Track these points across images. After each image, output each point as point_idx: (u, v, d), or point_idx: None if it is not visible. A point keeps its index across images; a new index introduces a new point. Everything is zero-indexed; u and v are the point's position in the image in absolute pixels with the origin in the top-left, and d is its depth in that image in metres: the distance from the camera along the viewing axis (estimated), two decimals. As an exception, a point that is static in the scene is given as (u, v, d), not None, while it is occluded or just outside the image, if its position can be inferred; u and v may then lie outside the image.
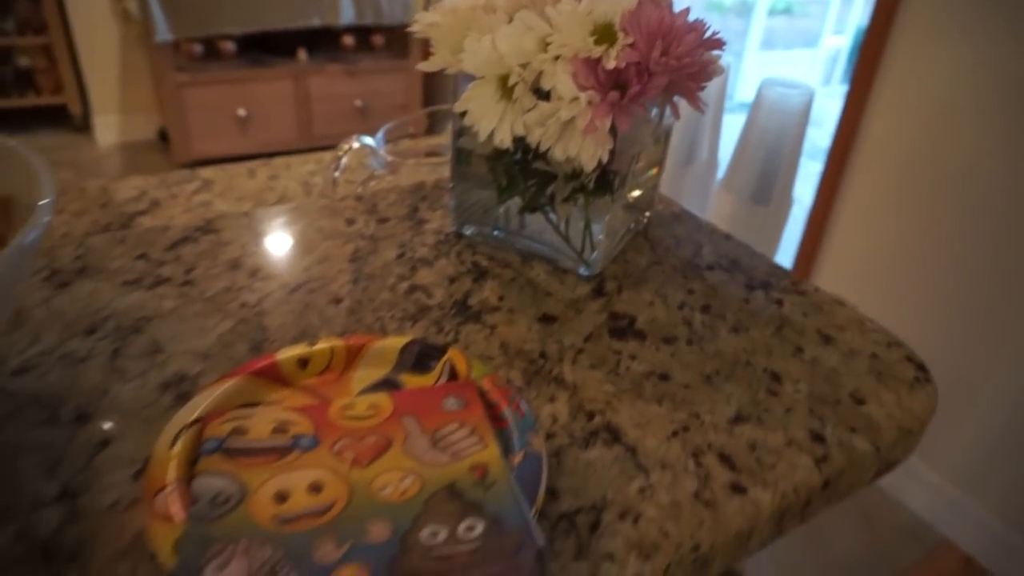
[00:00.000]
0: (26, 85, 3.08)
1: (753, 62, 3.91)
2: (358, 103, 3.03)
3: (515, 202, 0.58)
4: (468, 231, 0.61)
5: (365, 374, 0.43)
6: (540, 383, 0.45)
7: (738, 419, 0.44)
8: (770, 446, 0.42)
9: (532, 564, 0.31)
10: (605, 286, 0.56)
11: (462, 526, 0.32)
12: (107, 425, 0.40)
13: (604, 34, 0.48)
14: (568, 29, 0.47)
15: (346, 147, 0.75)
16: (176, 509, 0.33)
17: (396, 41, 3.05)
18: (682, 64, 0.47)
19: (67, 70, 3.05)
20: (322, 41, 2.99)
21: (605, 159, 0.49)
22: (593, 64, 0.47)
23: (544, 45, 0.48)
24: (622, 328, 0.51)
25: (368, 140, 0.77)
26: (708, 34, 0.49)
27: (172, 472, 0.35)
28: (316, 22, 2.82)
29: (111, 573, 0.32)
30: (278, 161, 0.97)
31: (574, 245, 0.56)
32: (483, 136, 0.50)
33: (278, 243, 0.58)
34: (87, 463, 0.37)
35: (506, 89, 0.49)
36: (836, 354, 0.50)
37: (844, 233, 1.75)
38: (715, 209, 1.88)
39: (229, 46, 2.85)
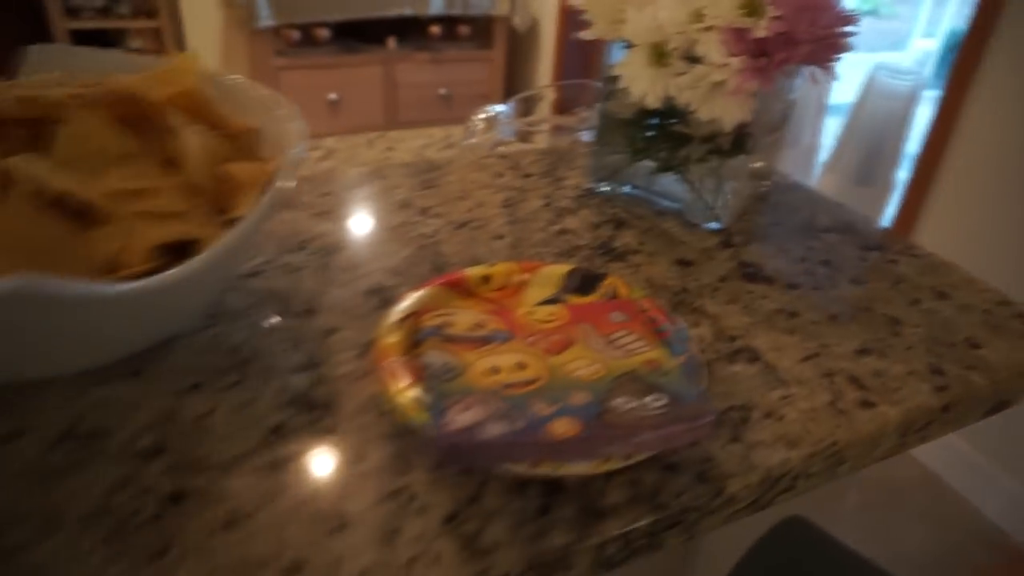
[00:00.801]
0: (135, 65, 3.28)
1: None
2: (442, 91, 3.13)
3: (645, 163, 0.64)
4: (603, 188, 0.68)
5: (535, 293, 0.51)
6: (684, 312, 0.52)
7: (863, 352, 0.49)
8: (893, 374, 0.47)
9: (709, 428, 0.37)
10: (732, 239, 0.62)
11: (648, 399, 0.39)
12: (330, 318, 0.48)
13: (752, 7, 0.54)
14: (720, 2, 0.54)
15: (482, 114, 0.83)
16: (406, 375, 0.41)
17: (481, 31, 3.15)
18: (826, 34, 0.52)
19: (173, 53, 3.25)
20: (410, 30, 3.11)
21: (748, 119, 0.55)
22: (742, 33, 0.53)
23: (698, 16, 0.54)
24: (751, 273, 0.57)
25: (501, 108, 0.85)
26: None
27: (397, 350, 0.43)
28: (407, 11, 2.93)
29: (356, 420, 0.40)
30: (393, 134, 1.05)
31: (706, 201, 0.62)
32: (635, 97, 0.57)
33: (438, 190, 0.66)
34: (320, 343, 0.46)
35: (659, 55, 0.56)
36: (951, 307, 0.55)
37: (935, 231, 1.75)
38: (819, 189, 1.91)
39: (324, 33, 2.99)
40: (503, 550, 0.34)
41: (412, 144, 0.91)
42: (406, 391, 0.40)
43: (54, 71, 0.49)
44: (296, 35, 2.96)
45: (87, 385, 0.41)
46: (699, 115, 0.56)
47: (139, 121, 0.41)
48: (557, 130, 0.88)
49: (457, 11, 2.98)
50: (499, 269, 0.51)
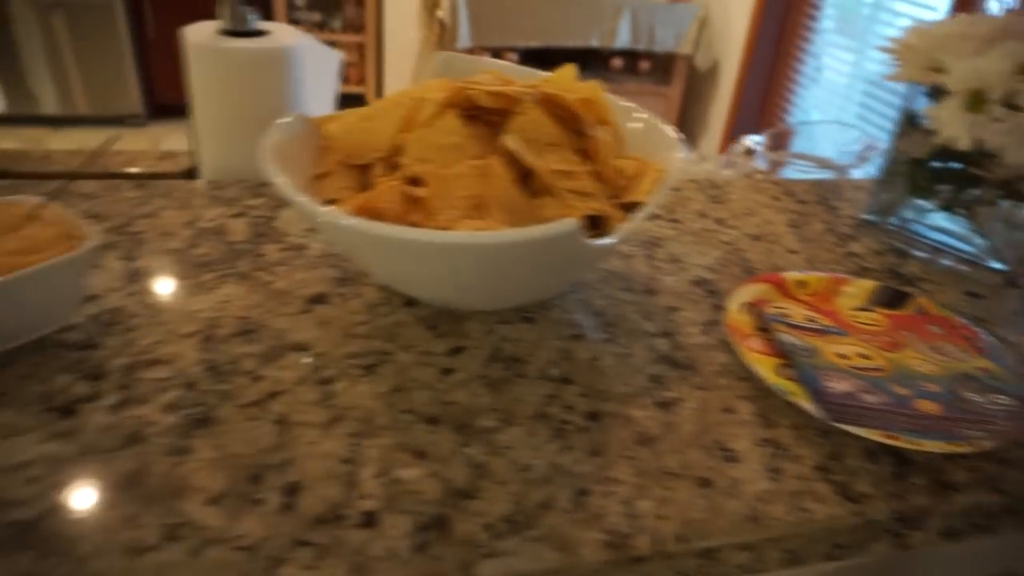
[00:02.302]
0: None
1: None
2: (615, 121, 3.25)
3: (921, 200, 0.69)
4: (880, 220, 0.73)
5: (847, 301, 0.57)
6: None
7: None
8: None
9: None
10: (1018, 280, 0.65)
11: (990, 397, 0.44)
12: (669, 299, 0.56)
13: (1077, 66, 0.58)
14: (1046, 59, 0.58)
15: (742, 144, 0.90)
16: (765, 349, 0.48)
17: (661, 68, 3.23)
18: None
19: (372, 66, 3.56)
20: (593, 61, 3.24)
21: (1060, 168, 0.59)
22: (1066, 89, 0.57)
23: (1021, 69, 0.59)
24: (1043, 312, 0.60)
25: (757, 140, 0.92)
26: None
27: (749, 328, 0.50)
28: (594, 43, 3.07)
29: (717, 380, 0.48)
30: None
31: (991, 241, 0.66)
32: (944, 139, 0.62)
33: (726, 205, 0.73)
34: (667, 317, 0.54)
35: (977, 102, 0.61)
36: None
37: None
38: None
39: (513, 57, 3.18)
40: (871, 501, 0.40)
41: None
42: (766, 362, 0.47)
43: (455, 75, 0.61)
44: (487, 57, 3.16)
45: (493, 323, 0.51)
46: (1008, 160, 0.60)
47: (563, 118, 0.51)
48: (796, 164, 0.94)
49: (642, 47, 3.08)
50: (816, 276, 0.57)
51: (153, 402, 0.41)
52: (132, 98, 3.31)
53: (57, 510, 0.34)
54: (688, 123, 3.39)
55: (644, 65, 3.24)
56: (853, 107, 2.73)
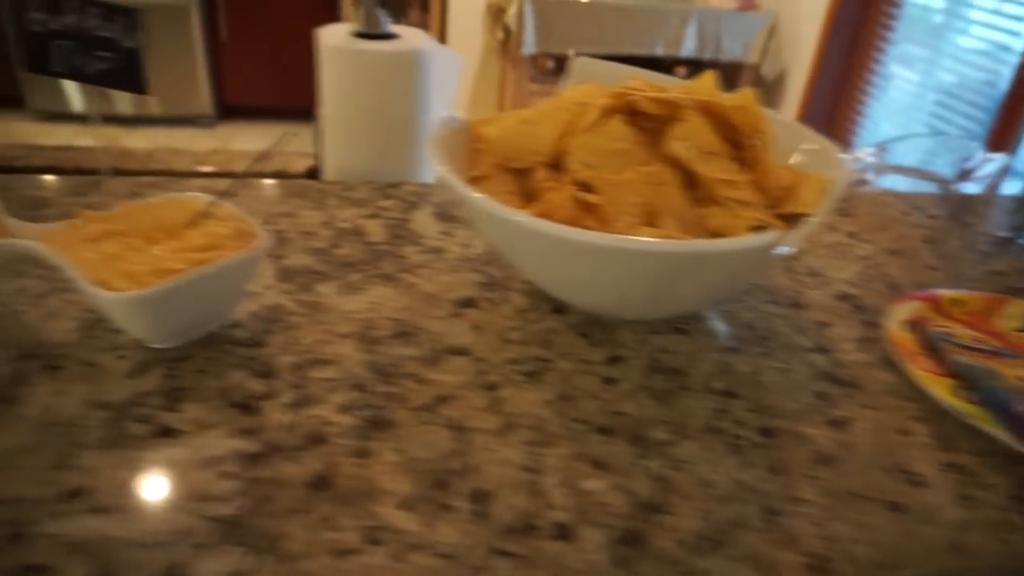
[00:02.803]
0: (400, 78, 3.68)
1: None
2: (677, 130, 3.22)
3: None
4: (1021, 237, 0.70)
5: (1006, 322, 0.54)
6: None
7: None
8: None
9: None
10: None
11: None
12: (816, 313, 0.55)
13: None
14: None
15: (858, 154, 0.88)
16: (936, 369, 0.46)
17: (725, 76, 3.18)
18: None
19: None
20: (656, 69, 3.22)
21: None
22: None
23: None
24: None
25: (869, 151, 0.89)
26: None
27: (914, 346, 0.48)
28: (659, 51, 3.04)
29: (885, 400, 0.46)
30: None
31: None
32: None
33: (854, 219, 0.71)
34: (819, 333, 0.52)
35: None
36: None
37: None
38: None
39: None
40: (1074, 534, 0.38)
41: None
42: (940, 382, 0.45)
43: (591, 81, 0.61)
44: (551, 64, 3.16)
45: (644, 333, 0.50)
46: None
47: (720, 126, 0.50)
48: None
49: (708, 56, 3.04)
50: (972, 296, 0.55)
51: (327, 402, 0.41)
52: (202, 99, 3.39)
53: (257, 507, 0.34)
54: (752, 133, 3.33)
55: (709, 74, 3.20)
56: (923, 117, 2.65)
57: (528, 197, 0.48)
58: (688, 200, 0.47)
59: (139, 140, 3.26)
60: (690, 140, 0.48)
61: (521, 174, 0.49)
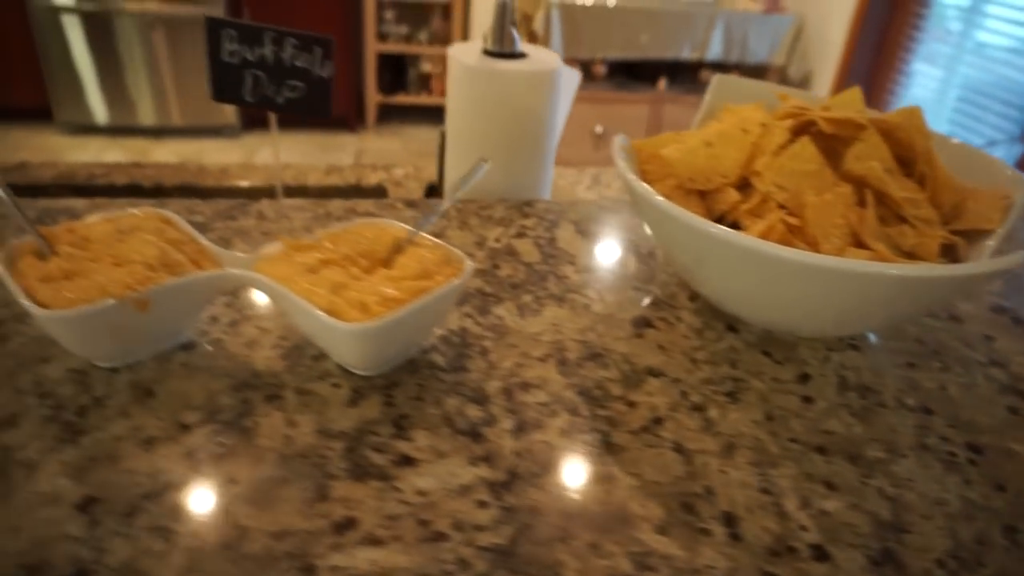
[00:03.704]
0: (422, 86, 3.68)
1: None
2: (702, 133, 3.23)
3: None
4: None
5: None
6: None
7: None
8: None
9: None
10: None
11: None
12: (977, 325, 0.55)
13: None
14: None
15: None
16: None
17: (751, 78, 3.20)
18: None
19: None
20: (681, 72, 3.23)
21: None
22: None
23: None
24: None
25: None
26: None
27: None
28: (685, 55, 3.05)
29: (1078, 416, 0.46)
30: None
31: None
32: None
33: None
34: (988, 346, 0.53)
35: None
36: None
37: None
38: None
39: (602, 69, 3.19)
40: None
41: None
42: None
43: (730, 97, 0.61)
44: (577, 69, 3.17)
45: (823, 350, 0.51)
46: None
47: (894, 146, 0.51)
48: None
49: (734, 58, 3.05)
50: None
51: (548, 427, 0.42)
52: (227, 109, 3.40)
53: (521, 535, 0.35)
54: (777, 134, 3.34)
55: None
56: (946, 112, 2.66)
57: (712, 215, 0.49)
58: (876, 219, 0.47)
59: (165, 151, 3.27)
60: (870, 159, 0.49)
61: (701, 195, 0.50)
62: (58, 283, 0.40)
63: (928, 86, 2.79)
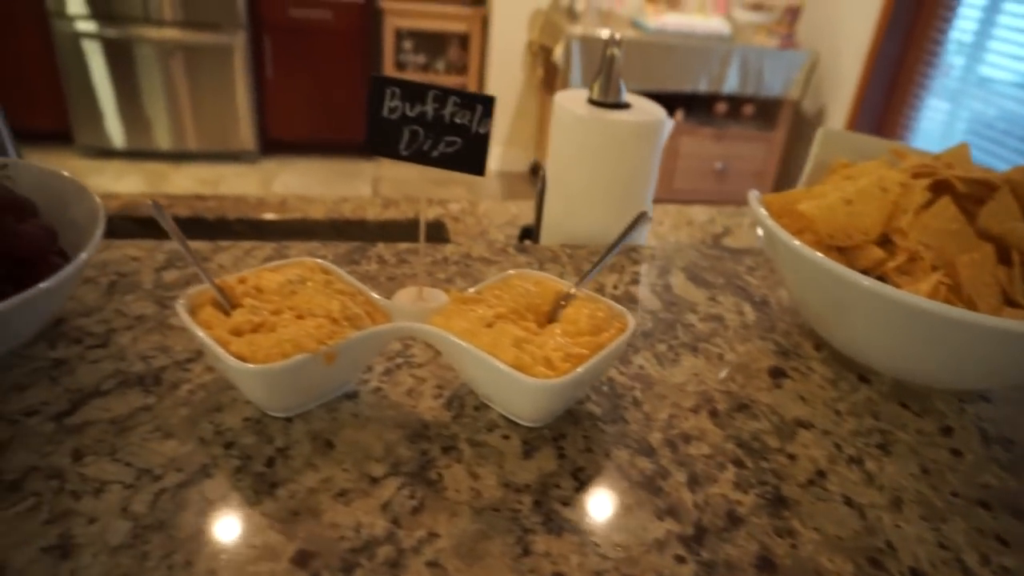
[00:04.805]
0: (438, 113, 3.73)
1: None
2: (718, 165, 3.26)
3: None
4: None
5: None
6: None
7: None
8: None
9: None
10: None
11: None
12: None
13: None
14: None
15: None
16: None
17: (765, 112, 3.26)
18: None
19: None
20: (698, 104, 3.28)
21: None
22: None
23: None
24: None
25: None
26: None
27: None
28: (702, 88, 3.11)
29: None
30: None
31: None
32: None
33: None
34: (1111, 398, 0.54)
35: None
36: None
37: None
38: None
39: (617, 100, 3.25)
40: None
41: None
42: None
43: (836, 150, 0.63)
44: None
45: (955, 401, 0.52)
46: None
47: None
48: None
49: (750, 92, 3.11)
50: None
51: (720, 480, 0.43)
52: (245, 135, 3.42)
53: (727, 591, 0.36)
54: (791, 168, 3.39)
55: (748, 109, 3.26)
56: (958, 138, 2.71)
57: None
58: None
59: (184, 176, 3.29)
60: (1005, 217, 0.50)
61: (840, 251, 0.51)
62: (250, 336, 0.41)
63: (936, 119, 2.85)
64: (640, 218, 0.48)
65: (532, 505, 0.40)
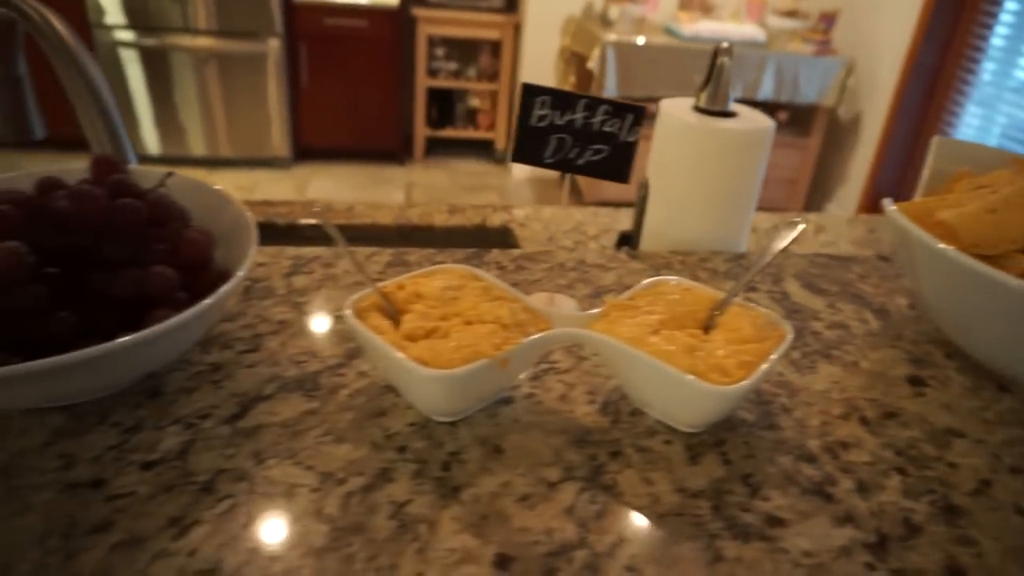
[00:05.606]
0: (469, 121, 3.74)
1: None
2: (750, 171, 3.27)
3: None
4: None
5: None
6: None
7: None
8: None
9: None
10: None
11: None
12: None
13: None
14: None
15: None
16: None
17: (799, 119, 3.25)
18: None
19: (503, 114, 3.66)
20: (729, 112, 3.29)
21: None
22: None
23: None
24: None
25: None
26: None
27: None
28: (737, 94, 3.11)
29: None
30: (813, 217, 1.14)
31: None
32: None
33: None
34: None
35: None
36: None
37: None
38: None
39: (651, 107, 3.25)
40: None
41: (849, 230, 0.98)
42: None
43: (952, 158, 0.63)
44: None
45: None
46: None
47: None
48: None
49: (784, 99, 3.10)
50: None
51: (887, 487, 0.43)
52: (278, 142, 3.46)
53: (925, 599, 0.36)
54: (825, 175, 3.38)
55: (782, 116, 3.26)
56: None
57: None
58: None
59: (220, 182, 3.32)
60: None
61: (989, 260, 0.51)
62: (425, 342, 0.42)
63: (973, 124, 2.83)
64: (795, 226, 0.48)
65: (711, 511, 0.40)
